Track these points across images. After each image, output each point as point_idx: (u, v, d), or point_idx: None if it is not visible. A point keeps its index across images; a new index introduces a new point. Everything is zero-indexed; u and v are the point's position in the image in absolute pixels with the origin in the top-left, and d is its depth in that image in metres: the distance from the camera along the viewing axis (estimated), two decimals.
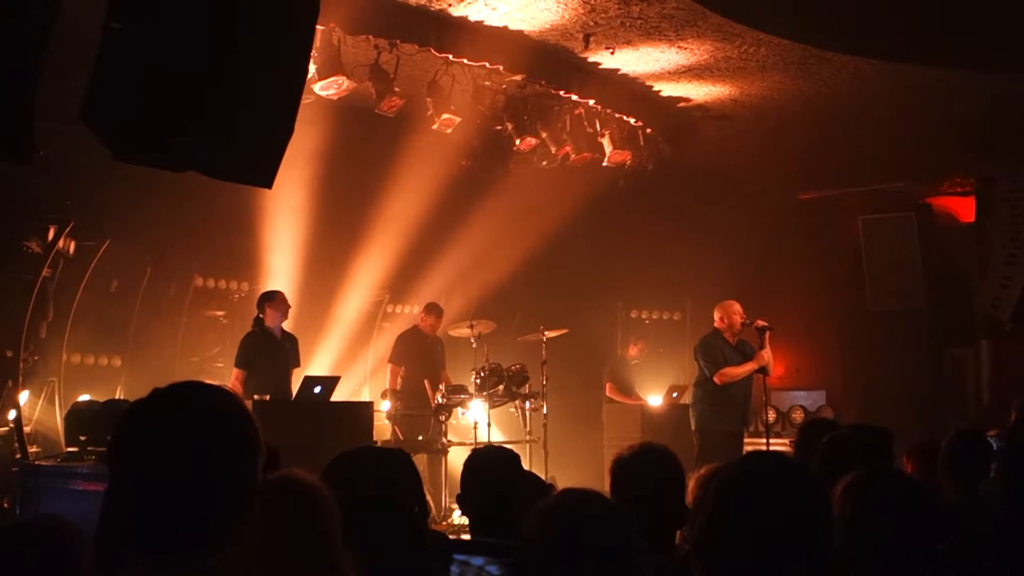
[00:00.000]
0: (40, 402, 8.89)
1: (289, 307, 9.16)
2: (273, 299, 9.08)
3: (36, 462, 7.59)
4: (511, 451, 3.74)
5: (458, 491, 3.72)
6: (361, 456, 2.83)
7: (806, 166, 12.69)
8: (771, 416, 11.92)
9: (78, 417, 7.25)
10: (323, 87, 8.26)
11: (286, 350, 9.13)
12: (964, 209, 13.15)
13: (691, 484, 3.51)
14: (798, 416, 12.30)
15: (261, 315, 9.05)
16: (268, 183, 4.80)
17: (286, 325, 9.28)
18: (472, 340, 10.34)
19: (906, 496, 2.64)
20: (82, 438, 6.97)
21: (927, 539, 2.63)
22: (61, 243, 8.72)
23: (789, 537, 2.01)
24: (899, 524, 2.53)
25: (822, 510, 2.09)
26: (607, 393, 11.69)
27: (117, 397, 9.16)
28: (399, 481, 2.74)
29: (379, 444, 9.27)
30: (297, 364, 9.28)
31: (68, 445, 7.26)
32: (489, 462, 3.57)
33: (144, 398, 1.91)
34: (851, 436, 3.93)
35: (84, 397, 8.70)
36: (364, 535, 2.55)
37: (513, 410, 10.35)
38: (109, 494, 2.43)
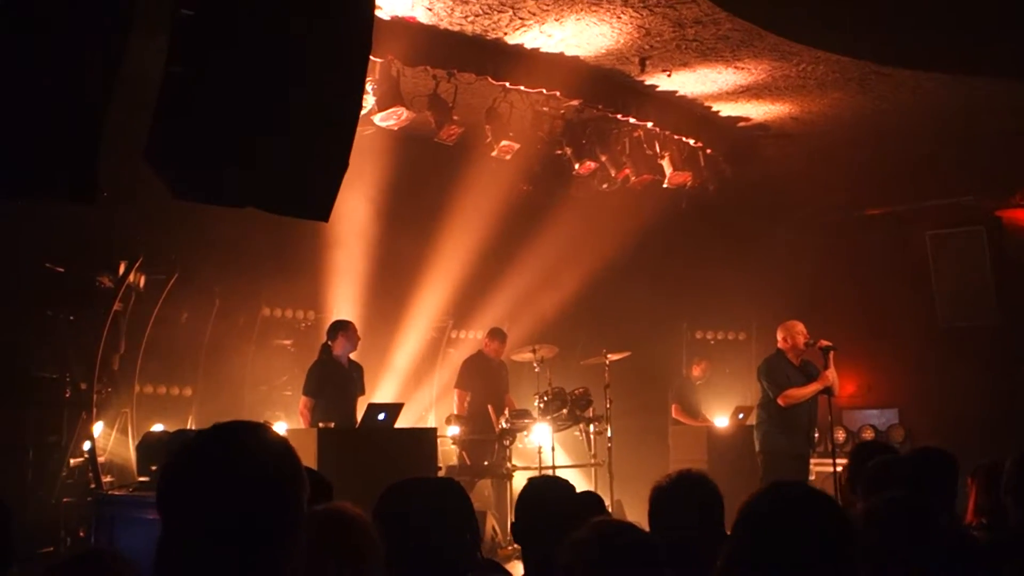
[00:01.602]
0: (113, 433, 9.09)
1: (359, 339, 9.25)
2: (347, 329, 9.18)
3: (110, 492, 7.76)
4: (564, 481, 3.75)
5: None
6: (408, 489, 2.87)
7: (870, 182, 12.53)
8: (840, 436, 11.77)
9: (149, 447, 7.40)
10: (383, 118, 8.39)
11: (353, 379, 9.23)
12: None
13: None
14: (868, 435, 12.11)
15: (330, 343, 9.15)
16: (325, 216, 4.88)
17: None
18: (535, 364, 10.37)
19: (918, 523, 2.58)
20: (153, 468, 7.11)
21: (947, 568, 2.57)
22: (131, 278, 8.94)
23: (813, 569, 2.01)
24: (915, 551, 2.48)
25: (846, 542, 2.08)
26: (673, 415, 11.63)
27: (188, 427, 9.35)
28: (447, 514, 2.77)
29: (444, 469, 9.33)
30: (362, 392, 9.37)
31: (140, 475, 7.41)
32: (541, 493, 3.59)
33: (191, 441, 1.97)
34: (898, 460, 3.87)
35: (157, 427, 8.88)
36: (413, 569, 2.59)
37: (577, 434, 10.35)
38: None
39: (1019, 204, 12.88)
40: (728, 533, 2.20)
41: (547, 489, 3.67)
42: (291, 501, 1.95)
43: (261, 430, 2.01)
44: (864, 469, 3.71)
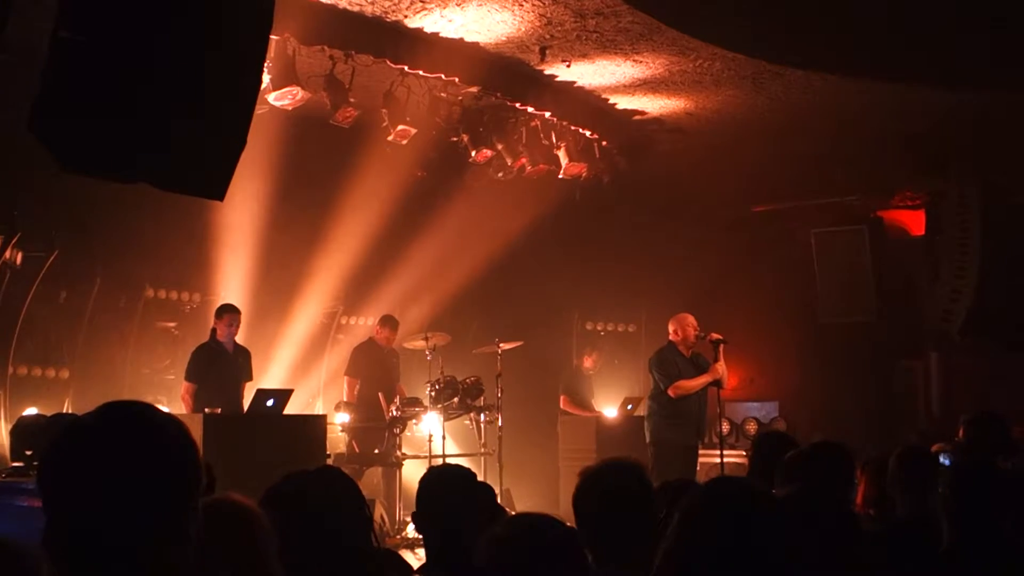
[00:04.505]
0: None
1: (234, 324, 9.06)
2: (221, 315, 9.06)
3: None
4: (467, 470, 3.70)
5: (412, 503, 3.68)
6: (297, 478, 2.77)
7: (760, 179, 12.78)
8: (725, 428, 11.98)
9: (24, 431, 7.13)
10: (277, 97, 8.20)
11: (238, 364, 9.04)
12: (915, 222, 13.32)
13: None
14: (751, 428, 12.38)
15: (215, 327, 9.03)
16: (220, 195, 4.74)
17: (239, 337, 9.21)
18: (427, 352, 10.27)
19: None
20: (28, 452, 6.84)
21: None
22: (8, 254, 8.57)
23: (755, 566, 1.99)
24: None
25: (788, 538, 2.07)
26: (562, 406, 11.66)
27: (65, 411, 9.01)
28: (340, 500, 2.69)
29: (332, 457, 9.20)
30: (249, 378, 9.19)
31: (13, 460, 7.11)
32: (442, 480, 3.53)
33: (81, 419, 1.83)
34: (804, 453, 3.96)
35: (31, 410, 8.54)
36: (308, 557, 2.52)
37: (468, 423, 10.32)
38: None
39: (900, 205, 13.32)
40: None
41: (448, 477, 3.61)
42: (191, 484, 1.82)
43: (153, 409, 1.87)
44: (780, 463, 3.79)
